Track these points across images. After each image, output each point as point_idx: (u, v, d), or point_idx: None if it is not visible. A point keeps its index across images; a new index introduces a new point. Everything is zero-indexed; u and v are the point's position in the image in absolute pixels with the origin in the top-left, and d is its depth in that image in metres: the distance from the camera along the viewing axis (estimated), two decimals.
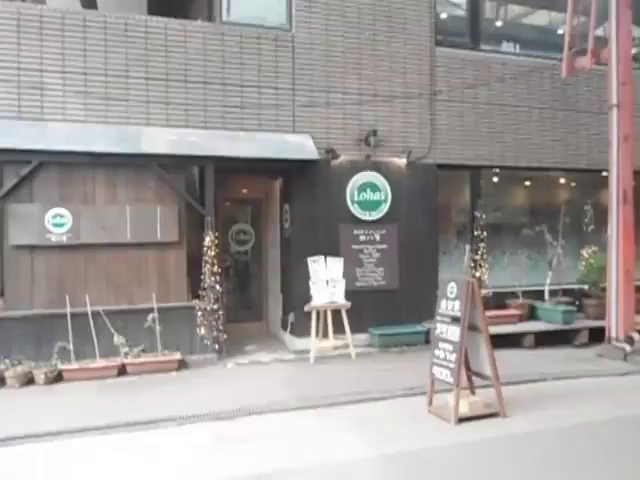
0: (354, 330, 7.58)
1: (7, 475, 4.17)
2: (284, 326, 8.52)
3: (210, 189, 7.40)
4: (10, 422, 5.13)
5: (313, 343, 7.39)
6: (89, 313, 6.85)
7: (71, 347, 6.74)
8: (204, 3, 8.53)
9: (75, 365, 6.66)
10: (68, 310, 6.81)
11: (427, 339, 7.89)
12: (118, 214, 7.17)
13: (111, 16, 7.37)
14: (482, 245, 8.81)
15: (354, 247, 8.26)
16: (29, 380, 6.42)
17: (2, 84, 6.88)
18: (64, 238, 6.98)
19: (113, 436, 4.86)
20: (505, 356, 6.29)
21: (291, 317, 8.17)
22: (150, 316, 7.01)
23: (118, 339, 6.86)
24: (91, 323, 6.84)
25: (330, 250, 7.88)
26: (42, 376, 6.39)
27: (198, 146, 7.30)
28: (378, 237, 8.39)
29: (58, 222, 6.96)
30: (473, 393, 5.43)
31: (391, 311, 8.22)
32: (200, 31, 7.68)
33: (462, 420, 5.01)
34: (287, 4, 8.12)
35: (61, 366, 6.61)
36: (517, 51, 9.61)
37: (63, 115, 7.10)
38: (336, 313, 7.58)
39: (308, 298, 7.52)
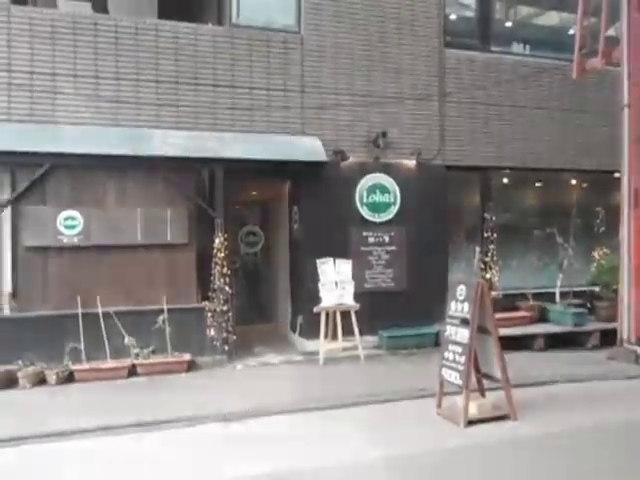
0: (363, 332, 7.58)
1: (18, 474, 4.22)
2: (293, 328, 8.54)
3: (219, 191, 7.44)
4: (22, 422, 5.19)
5: (322, 345, 7.40)
6: (100, 314, 6.92)
7: (82, 347, 6.80)
8: (214, 7, 8.59)
9: (86, 365, 6.72)
10: (79, 311, 6.87)
11: (437, 341, 7.87)
12: (129, 216, 7.24)
13: (122, 20, 7.44)
14: (492, 247, 8.77)
15: (363, 249, 8.26)
16: (41, 380, 6.49)
17: (15, 88, 6.97)
18: (76, 240, 7.06)
19: (123, 436, 4.89)
20: (515, 358, 6.25)
21: (300, 319, 8.19)
22: (160, 317, 7.06)
23: (128, 340, 6.91)
24: (102, 324, 6.90)
25: (339, 252, 7.87)
26: (54, 376, 6.47)
27: (207, 148, 7.34)
28: (387, 239, 8.38)
29: (70, 224, 7.04)
30: (483, 395, 5.41)
31: (400, 313, 8.20)
32: (210, 34, 7.73)
33: (471, 422, 4.99)
34: (296, 7, 8.14)
35: (72, 366, 6.67)
36: (527, 52, 9.56)
37: (75, 118, 7.17)
38: (345, 315, 7.57)
39: (317, 300, 7.53)
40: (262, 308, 9.73)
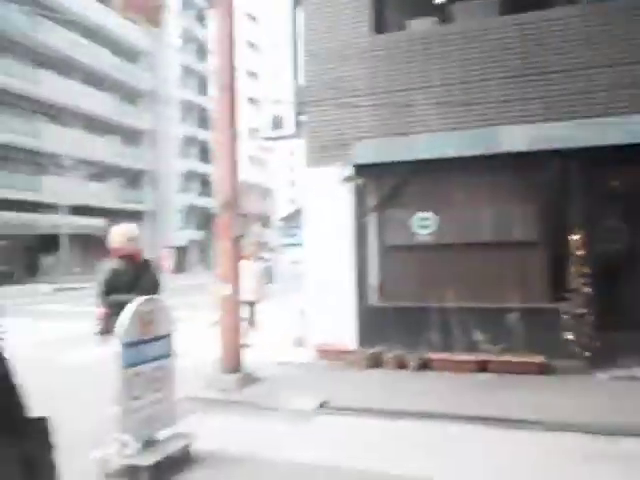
0: None
1: (395, 446, 4.81)
2: None
3: (575, 184, 6.87)
4: (394, 399, 5.93)
5: None
6: (451, 308, 7.26)
7: (435, 338, 7.27)
8: None
9: (441, 355, 7.15)
10: (433, 304, 7.37)
11: None
12: (476, 214, 7.41)
13: (468, 25, 7.67)
14: None
15: None
16: (401, 364, 7.20)
17: (378, 108, 7.93)
18: (428, 239, 7.62)
19: (476, 427, 5.02)
20: None
21: None
22: (510, 316, 6.95)
23: (478, 336, 7.04)
24: (453, 318, 7.23)
25: None
26: (412, 362, 7.11)
27: (559, 139, 6.86)
28: None
29: (423, 224, 7.65)
30: None
31: None
32: (559, 17, 7.22)
33: None
34: None
35: (428, 355, 7.19)
36: None
37: (426, 126, 7.71)
38: None
39: None
40: (627, 312, 8.46)
